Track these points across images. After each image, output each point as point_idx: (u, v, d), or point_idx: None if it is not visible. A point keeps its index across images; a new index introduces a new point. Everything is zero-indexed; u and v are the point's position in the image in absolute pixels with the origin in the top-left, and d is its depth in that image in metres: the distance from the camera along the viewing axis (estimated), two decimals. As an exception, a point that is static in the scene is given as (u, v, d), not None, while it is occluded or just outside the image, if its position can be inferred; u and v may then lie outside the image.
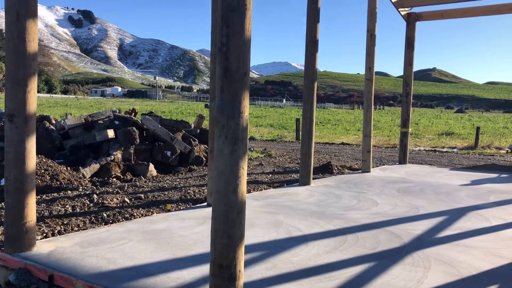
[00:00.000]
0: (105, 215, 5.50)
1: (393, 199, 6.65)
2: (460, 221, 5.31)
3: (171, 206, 6.09)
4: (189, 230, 4.58)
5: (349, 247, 4.17)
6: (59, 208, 5.73)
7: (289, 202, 6.23)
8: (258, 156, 12.48)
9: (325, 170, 10.22)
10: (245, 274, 3.38)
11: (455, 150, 18.09)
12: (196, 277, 3.32)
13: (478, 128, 20.16)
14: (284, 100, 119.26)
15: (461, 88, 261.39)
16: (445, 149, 18.15)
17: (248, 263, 3.64)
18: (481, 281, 3.37)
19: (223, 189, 2.56)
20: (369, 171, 9.82)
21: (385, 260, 3.81)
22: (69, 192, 6.79)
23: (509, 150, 16.43)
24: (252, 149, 13.92)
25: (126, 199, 6.33)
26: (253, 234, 4.53)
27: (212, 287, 2.60)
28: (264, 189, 7.74)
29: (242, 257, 2.59)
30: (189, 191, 7.12)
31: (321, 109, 76.07)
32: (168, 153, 9.54)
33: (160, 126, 9.72)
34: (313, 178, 8.43)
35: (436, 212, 5.79)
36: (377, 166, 11.09)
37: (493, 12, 11.05)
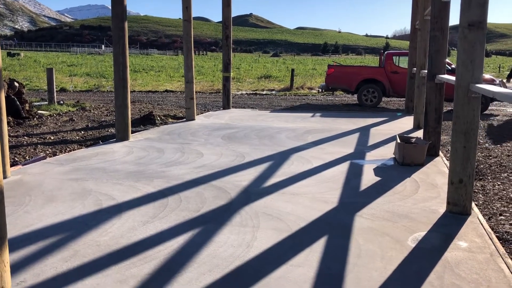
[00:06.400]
0: None
1: (219, 148, 6.30)
2: (285, 166, 5.21)
3: None
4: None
5: (170, 212, 3.61)
6: None
7: (102, 163, 5.35)
8: (69, 110, 10.93)
9: (147, 121, 9.40)
10: (33, 273, 2.55)
11: (273, 92, 18.94)
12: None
13: (292, 71, 21.41)
14: (103, 46, 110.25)
15: (275, 33, 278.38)
16: (264, 92, 18.86)
17: (39, 256, 2.79)
18: (311, 234, 3.16)
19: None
20: (193, 119, 9.36)
21: (211, 223, 3.36)
22: None
23: (320, 90, 17.85)
24: (62, 102, 12.17)
25: None
26: (51, 211, 3.62)
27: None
28: (74, 149, 6.64)
29: (4, 268, 1.78)
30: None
31: (144, 56, 72.81)
32: None
33: None
34: (133, 132, 7.63)
35: (261, 158, 5.62)
36: (202, 113, 10.72)
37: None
